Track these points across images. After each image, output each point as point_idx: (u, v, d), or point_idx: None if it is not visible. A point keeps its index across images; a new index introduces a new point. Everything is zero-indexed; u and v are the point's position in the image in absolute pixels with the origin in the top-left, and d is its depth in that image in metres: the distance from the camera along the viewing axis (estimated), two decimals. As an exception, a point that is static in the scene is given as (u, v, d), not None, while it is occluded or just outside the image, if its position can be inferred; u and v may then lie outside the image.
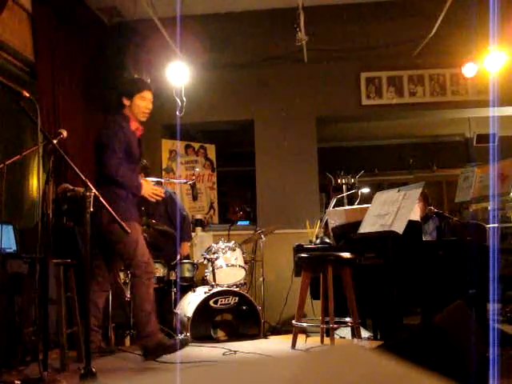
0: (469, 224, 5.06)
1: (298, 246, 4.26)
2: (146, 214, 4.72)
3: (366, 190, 8.65)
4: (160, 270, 4.45)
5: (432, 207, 5.22)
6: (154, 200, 3.71)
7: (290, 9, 5.08)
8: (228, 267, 4.60)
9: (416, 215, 3.82)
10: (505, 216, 5.06)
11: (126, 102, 3.60)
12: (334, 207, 4.79)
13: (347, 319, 3.88)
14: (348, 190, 5.29)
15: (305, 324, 4.11)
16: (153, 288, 3.52)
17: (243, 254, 4.77)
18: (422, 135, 9.07)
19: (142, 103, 3.62)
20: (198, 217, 5.78)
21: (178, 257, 4.72)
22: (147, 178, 4.75)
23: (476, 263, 3.44)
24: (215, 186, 6.52)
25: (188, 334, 4.18)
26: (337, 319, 3.83)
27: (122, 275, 4.32)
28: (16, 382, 2.70)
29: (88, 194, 2.85)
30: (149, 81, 5.62)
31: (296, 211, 5.60)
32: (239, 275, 4.64)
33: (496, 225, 4.60)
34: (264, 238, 4.93)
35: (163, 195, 3.74)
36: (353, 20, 5.85)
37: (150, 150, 5.82)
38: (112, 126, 3.54)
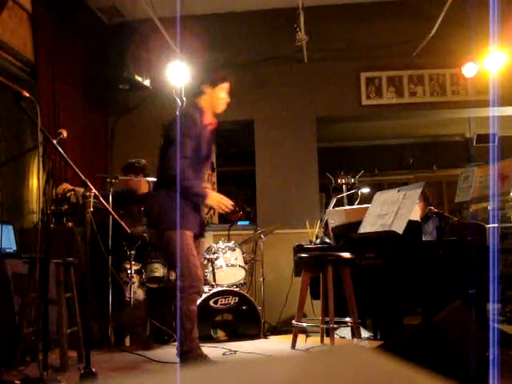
0: (469, 224, 5.06)
1: (298, 246, 4.26)
2: (146, 214, 4.72)
3: (366, 190, 8.64)
4: (160, 270, 4.45)
5: (432, 207, 5.23)
6: (221, 211, 3.40)
7: (290, 9, 5.09)
8: (228, 267, 4.60)
9: (416, 215, 3.82)
10: (505, 216, 5.06)
11: (208, 90, 3.34)
12: (333, 207, 4.79)
13: (347, 319, 3.88)
14: (348, 190, 5.29)
15: (305, 324, 4.11)
16: (196, 304, 3.26)
17: (243, 254, 4.77)
18: (422, 135, 9.07)
19: (223, 94, 3.38)
20: (198, 217, 5.77)
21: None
22: (147, 178, 4.76)
23: (476, 263, 3.45)
24: (215, 186, 6.52)
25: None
26: (337, 319, 3.83)
27: (122, 275, 4.32)
28: (16, 382, 2.70)
29: (88, 194, 2.85)
30: (149, 81, 5.63)
31: (296, 211, 5.60)
32: (239, 275, 4.64)
33: (496, 225, 4.60)
34: (264, 238, 4.93)
35: (232, 207, 3.37)
36: (353, 20, 5.86)
37: (150, 149, 5.81)
38: (184, 118, 3.22)
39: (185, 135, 3.15)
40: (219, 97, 3.36)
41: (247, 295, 4.50)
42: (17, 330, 3.19)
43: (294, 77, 5.90)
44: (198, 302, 4.24)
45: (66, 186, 4.43)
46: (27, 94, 2.58)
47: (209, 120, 3.35)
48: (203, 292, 3.60)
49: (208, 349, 3.91)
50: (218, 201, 3.29)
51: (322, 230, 4.76)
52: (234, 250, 4.68)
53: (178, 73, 5.43)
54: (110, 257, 4.04)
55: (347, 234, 4.07)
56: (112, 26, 5.80)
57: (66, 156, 2.90)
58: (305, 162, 5.86)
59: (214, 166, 6.55)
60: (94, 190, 2.85)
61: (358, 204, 4.94)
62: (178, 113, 3.33)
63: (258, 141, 5.98)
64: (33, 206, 4.84)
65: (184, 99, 5.52)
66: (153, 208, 3.31)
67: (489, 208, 5.18)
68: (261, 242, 4.97)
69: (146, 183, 4.78)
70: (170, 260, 3.30)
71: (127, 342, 4.17)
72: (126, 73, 5.38)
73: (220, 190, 6.62)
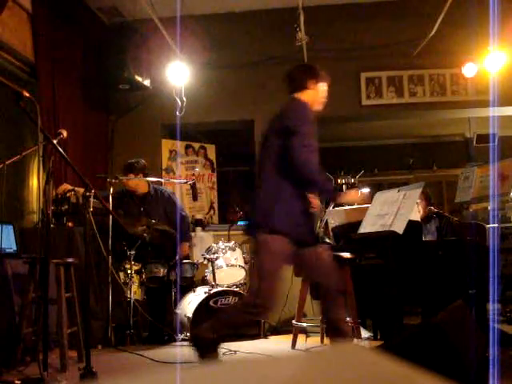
0: (469, 224, 5.05)
1: (298, 246, 4.25)
2: (145, 214, 4.73)
3: (365, 190, 8.64)
4: (160, 270, 4.45)
5: (432, 207, 5.23)
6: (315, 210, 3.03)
7: (290, 9, 5.09)
8: (228, 267, 4.60)
9: (416, 215, 3.82)
10: (505, 216, 5.05)
11: (312, 85, 3.09)
12: (334, 207, 4.79)
13: (347, 319, 3.88)
14: (348, 190, 5.28)
15: (305, 324, 4.11)
16: (246, 322, 3.04)
17: (243, 254, 4.76)
18: (422, 135, 9.07)
19: (324, 92, 3.16)
20: (198, 217, 5.77)
21: (177, 257, 4.72)
22: (148, 178, 4.76)
23: (476, 263, 3.44)
24: (215, 186, 6.52)
25: (188, 334, 4.19)
26: (337, 319, 3.82)
27: (122, 275, 4.32)
28: (16, 382, 2.70)
29: (88, 194, 2.85)
30: (149, 81, 5.63)
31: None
32: (239, 275, 4.64)
33: (496, 225, 4.60)
34: (264, 238, 4.92)
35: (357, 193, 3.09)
36: (353, 20, 5.85)
37: (150, 149, 5.82)
38: (301, 106, 2.96)
39: (305, 122, 2.86)
40: (322, 93, 3.15)
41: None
42: (17, 330, 3.19)
43: (294, 77, 5.89)
44: (198, 301, 4.25)
45: (66, 186, 4.43)
46: (27, 94, 2.58)
47: (313, 116, 3.01)
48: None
49: (208, 349, 3.92)
50: (348, 196, 3.06)
51: (322, 230, 4.76)
52: (234, 250, 4.68)
53: (177, 73, 5.43)
54: (109, 257, 4.04)
55: (347, 233, 4.07)
56: (112, 26, 5.80)
57: (66, 156, 2.91)
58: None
59: (214, 165, 6.55)
60: (93, 190, 2.85)
61: (357, 204, 4.93)
62: (285, 106, 3.05)
63: (258, 141, 5.97)
64: (33, 206, 4.84)
65: (184, 99, 5.53)
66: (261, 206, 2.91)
67: (489, 208, 5.17)
68: (261, 242, 4.96)
69: (145, 183, 4.78)
70: (258, 267, 2.89)
71: (127, 342, 4.17)
72: (126, 73, 5.38)
73: (220, 190, 6.63)
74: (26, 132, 4.78)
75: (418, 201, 4.71)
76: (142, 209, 4.76)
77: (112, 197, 4.32)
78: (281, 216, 2.80)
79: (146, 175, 4.75)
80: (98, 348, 3.92)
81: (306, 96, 3.07)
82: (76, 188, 4.28)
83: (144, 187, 4.80)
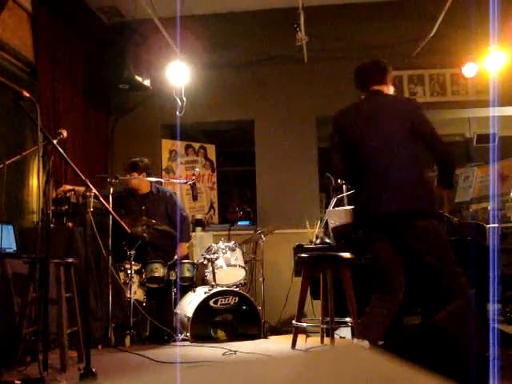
0: (469, 224, 5.05)
1: (298, 246, 4.26)
2: (146, 213, 4.73)
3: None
4: (160, 270, 4.45)
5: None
6: None
7: (290, 9, 5.09)
8: (228, 267, 4.60)
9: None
10: (505, 216, 5.05)
11: (389, 78, 3.18)
12: (333, 207, 4.79)
13: (347, 319, 3.88)
14: (348, 190, 5.28)
15: (305, 324, 4.11)
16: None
17: (243, 253, 4.77)
18: (422, 135, 9.05)
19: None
20: (198, 217, 5.78)
21: (176, 257, 4.73)
22: (148, 178, 4.76)
23: (476, 263, 3.44)
24: (215, 186, 6.52)
25: (188, 334, 4.19)
26: (337, 319, 3.83)
27: (122, 275, 4.32)
28: (16, 382, 2.70)
29: (88, 194, 2.85)
30: (149, 81, 5.63)
31: (296, 211, 5.60)
32: (239, 275, 4.64)
33: (496, 225, 4.60)
34: (264, 238, 4.93)
35: None
36: (353, 20, 5.85)
37: (150, 149, 5.82)
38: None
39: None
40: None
41: (247, 295, 4.50)
42: (17, 330, 3.19)
43: (294, 77, 5.90)
44: (198, 301, 4.26)
45: (65, 187, 4.43)
46: (27, 94, 2.58)
47: None
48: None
49: (208, 349, 3.92)
50: None
51: (322, 230, 4.76)
52: (234, 250, 4.68)
53: (177, 73, 5.43)
54: (110, 257, 4.04)
55: (347, 233, 4.07)
56: (112, 26, 5.81)
57: (66, 156, 2.90)
58: (305, 161, 5.85)
59: (214, 165, 6.55)
60: (94, 190, 2.85)
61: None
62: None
63: (258, 141, 5.98)
64: (33, 206, 4.84)
65: (184, 99, 5.52)
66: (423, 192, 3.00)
67: (489, 208, 5.17)
68: (261, 242, 4.97)
69: (147, 182, 4.79)
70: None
71: (127, 342, 4.17)
72: (126, 73, 5.38)
73: (220, 190, 6.63)
74: (26, 132, 4.78)
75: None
76: (143, 207, 4.77)
77: (112, 196, 4.32)
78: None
79: (149, 174, 4.77)
80: (98, 348, 3.92)
81: (390, 81, 3.21)
82: (76, 188, 4.28)
83: (146, 186, 4.82)
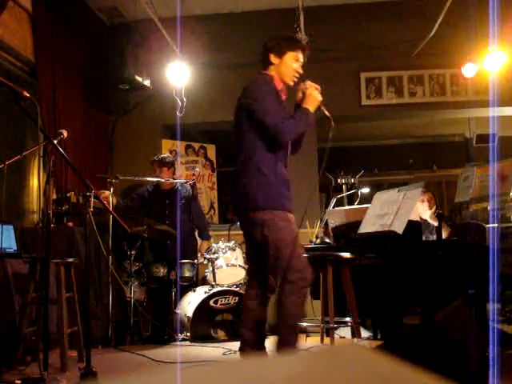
0: (469, 224, 5.05)
1: (298, 246, 4.26)
2: (169, 207, 4.73)
3: (365, 190, 8.65)
4: (160, 270, 4.45)
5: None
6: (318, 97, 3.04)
7: (290, 9, 5.08)
8: (228, 267, 4.60)
9: (415, 215, 3.82)
10: (505, 216, 5.06)
11: (275, 59, 3.06)
12: (333, 207, 4.79)
13: (347, 319, 3.88)
14: (348, 190, 5.29)
15: (305, 324, 4.11)
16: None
17: (243, 253, 4.76)
18: (422, 135, 9.07)
19: (294, 64, 3.04)
20: (198, 217, 5.77)
21: (199, 255, 4.81)
22: (148, 178, 4.76)
23: (476, 263, 3.44)
24: (215, 186, 6.52)
25: (188, 334, 4.19)
26: (337, 319, 3.83)
27: (122, 275, 4.32)
28: (16, 381, 2.71)
29: (88, 194, 2.85)
30: (149, 81, 5.63)
31: (296, 211, 5.58)
32: (239, 275, 4.64)
33: (496, 225, 4.60)
34: (264, 238, 4.92)
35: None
36: (353, 20, 5.85)
37: (150, 150, 5.81)
38: (259, 82, 3.02)
39: (262, 93, 2.95)
40: (290, 66, 3.05)
41: (247, 295, 4.49)
42: (17, 330, 3.19)
43: (294, 77, 5.89)
44: (198, 301, 4.25)
45: (105, 192, 4.44)
46: (27, 94, 2.59)
47: (280, 87, 3.07)
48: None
49: (208, 349, 3.92)
50: (316, 99, 3.06)
51: (322, 230, 4.76)
52: (234, 250, 4.68)
53: (177, 73, 5.43)
54: (110, 257, 4.04)
55: (347, 233, 4.07)
56: (112, 26, 5.80)
57: (66, 156, 2.91)
58: (305, 162, 5.85)
59: (214, 165, 6.55)
60: (94, 190, 2.85)
61: (358, 204, 4.94)
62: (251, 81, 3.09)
63: (258, 141, 5.97)
64: (33, 206, 4.84)
65: (184, 99, 5.52)
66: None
67: (489, 208, 5.18)
68: (261, 242, 4.96)
69: (172, 178, 4.87)
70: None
71: (127, 342, 4.17)
72: (126, 73, 5.38)
73: (220, 190, 6.63)
74: (26, 132, 4.78)
75: (427, 201, 4.70)
76: (166, 201, 4.78)
77: (136, 197, 4.43)
78: None
79: (174, 172, 4.85)
80: (98, 348, 3.92)
81: (271, 71, 3.09)
82: (104, 195, 4.31)
83: (170, 183, 4.85)
